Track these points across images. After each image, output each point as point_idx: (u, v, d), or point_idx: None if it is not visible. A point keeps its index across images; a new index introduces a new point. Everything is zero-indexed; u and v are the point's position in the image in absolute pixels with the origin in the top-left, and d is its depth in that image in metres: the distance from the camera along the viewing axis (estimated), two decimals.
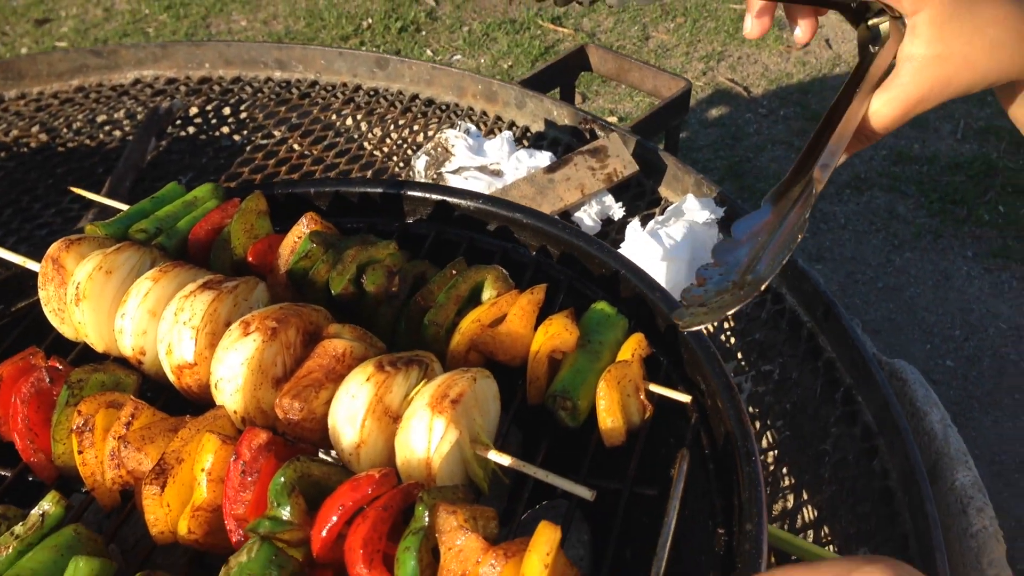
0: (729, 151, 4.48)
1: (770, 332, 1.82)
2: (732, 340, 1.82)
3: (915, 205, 4.16)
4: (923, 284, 3.83)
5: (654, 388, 0.94)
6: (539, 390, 0.97)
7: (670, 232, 1.88)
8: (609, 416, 0.91)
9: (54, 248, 1.03)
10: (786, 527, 1.53)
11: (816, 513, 1.54)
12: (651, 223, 1.92)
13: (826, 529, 1.52)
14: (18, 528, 0.84)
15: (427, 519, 0.78)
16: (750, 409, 1.72)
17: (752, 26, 0.96)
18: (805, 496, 1.58)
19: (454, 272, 1.04)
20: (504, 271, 1.07)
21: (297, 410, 0.87)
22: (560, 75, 2.50)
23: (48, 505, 0.85)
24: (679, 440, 0.92)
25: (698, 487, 0.92)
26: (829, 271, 3.93)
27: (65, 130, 2.35)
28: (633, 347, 0.96)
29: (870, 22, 0.97)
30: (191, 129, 2.39)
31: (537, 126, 2.28)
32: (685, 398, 0.93)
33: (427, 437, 0.83)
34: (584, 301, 1.05)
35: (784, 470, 1.64)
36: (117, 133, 2.36)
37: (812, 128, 0.98)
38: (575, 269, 1.13)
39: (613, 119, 4.50)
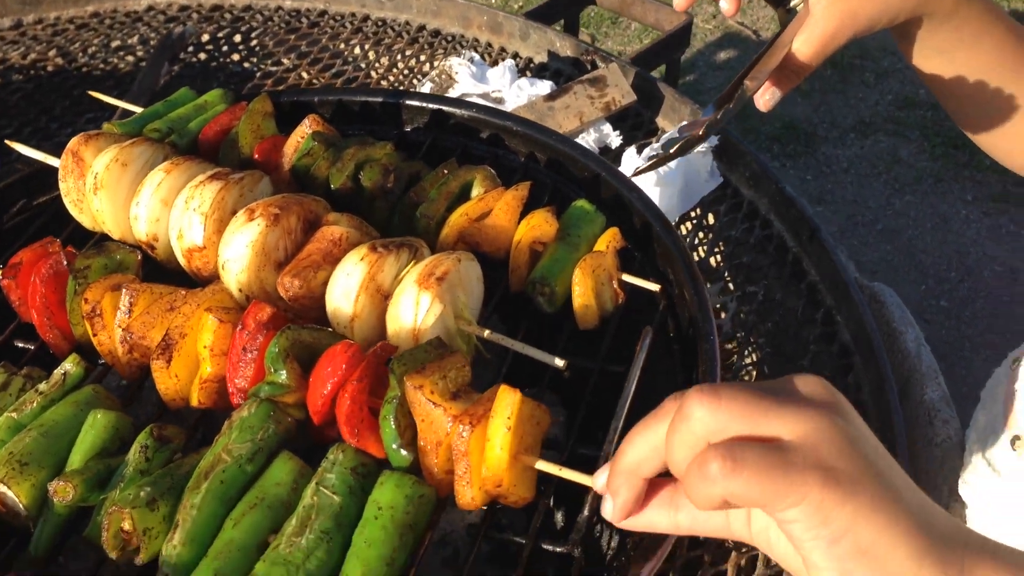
0: None
1: (757, 255, 1.89)
2: (719, 260, 1.90)
3: (918, 149, 4.20)
4: (922, 227, 3.88)
5: (627, 278, 1.02)
6: (520, 278, 1.05)
7: None
8: (583, 301, 0.99)
9: (74, 142, 1.11)
10: None
11: None
12: (646, 150, 1.98)
13: None
14: (42, 386, 0.93)
15: (399, 388, 0.86)
16: (738, 334, 1.81)
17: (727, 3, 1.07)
18: None
19: (446, 171, 1.12)
20: (492, 171, 1.14)
21: (297, 287, 0.95)
22: (565, 8, 2.54)
23: (70, 366, 0.94)
24: (648, 324, 1.00)
25: (664, 365, 1.00)
26: (830, 213, 3.98)
27: (81, 54, 2.41)
28: (608, 240, 1.04)
29: (789, 5, 1.08)
30: (202, 56, 2.45)
31: (540, 57, 2.33)
32: (654, 287, 1.01)
33: (414, 311, 0.91)
34: (567, 202, 1.13)
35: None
36: (131, 58, 2.42)
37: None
38: (560, 173, 1.20)
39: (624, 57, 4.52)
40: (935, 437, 1.62)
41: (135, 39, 2.47)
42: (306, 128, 1.15)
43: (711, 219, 1.97)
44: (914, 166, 4.12)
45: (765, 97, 1.10)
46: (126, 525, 0.81)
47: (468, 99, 2.07)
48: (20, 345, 1.09)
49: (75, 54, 2.41)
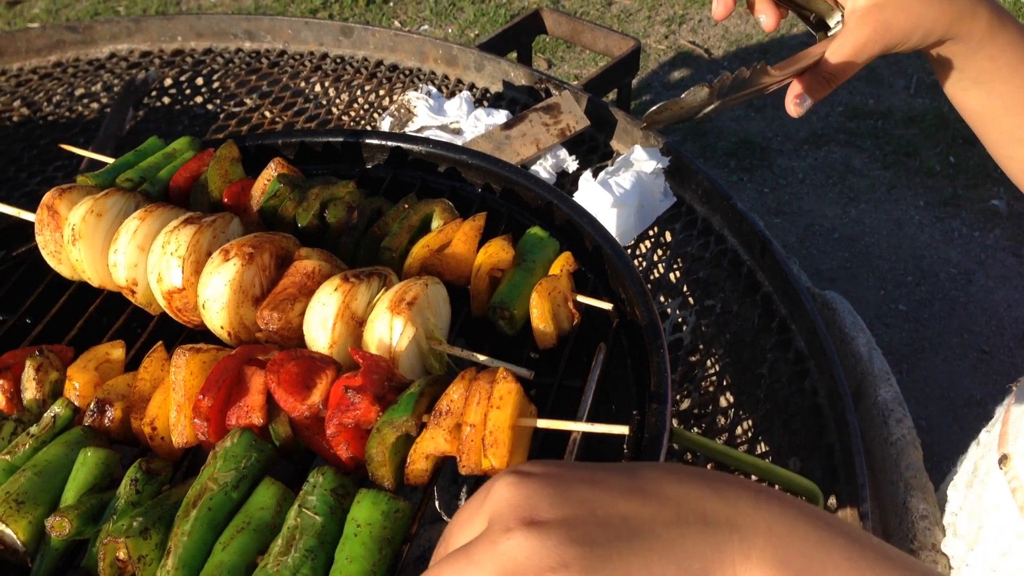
0: None
1: (713, 270, 1.96)
2: (678, 276, 1.97)
3: (870, 158, 4.32)
4: (877, 234, 3.99)
5: (581, 299, 1.09)
6: (481, 303, 1.11)
7: (619, 181, 2.02)
8: (541, 322, 1.05)
9: (48, 196, 1.16)
10: (724, 440, 1.69)
11: (752, 428, 1.69)
12: (602, 173, 2.06)
13: (761, 441, 1.67)
14: (33, 428, 0.98)
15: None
16: (699, 346, 1.88)
17: (718, 6, 1.11)
18: (743, 414, 1.73)
19: (406, 206, 1.19)
20: (450, 204, 1.21)
21: (276, 320, 1.01)
22: (517, 38, 2.62)
23: (59, 409, 0.99)
24: (603, 341, 1.07)
25: (618, 378, 1.07)
26: (788, 224, 4.08)
27: (45, 104, 2.46)
28: (562, 263, 1.11)
29: (830, 30, 1.13)
30: (166, 99, 2.50)
31: (496, 87, 2.41)
32: (607, 306, 1.08)
33: (389, 335, 0.98)
34: (522, 230, 1.20)
35: (725, 391, 1.79)
36: (95, 105, 2.47)
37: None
38: (514, 202, 1.27)
39: (576, 84, 4.61)
40: (890, 436, 1.68)
41: (99, 86, 2.52)
42: (272, 171, 1.21)
43: (668, 236, 2.05)
44: (867, 175, 4.23)
45: (795, 103, 1.12)
46: (121, 554, 0.86)
47: (427, 131, 2.13)
48: None
49: (40, 103, 2.46)
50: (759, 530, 0.62)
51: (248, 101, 2.46)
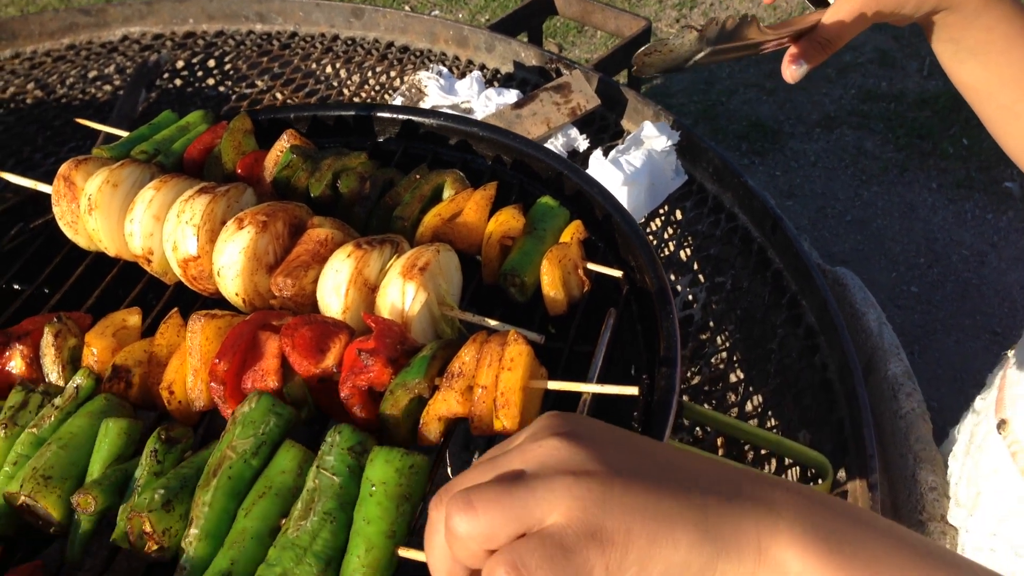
0: (702, 95, 4.61)
1: (724, 247, 1.97)
2: (688, 254, 1.97)
3: (882, 141, 4.31)
4: (890, 216, 3.98)
5: (591, 266, 1.10)
6: (492, 271, 1.12)
7: (630, 159, 2.03)
8: (552, 289, 1.07)
9: (64, 167, 1.18)
10: (735, 414, 1.70)
11: (762, 403, 1.70)
12: (612, 152, 2.06)
13: (771, 416, 1.68)
14: (57, 400, 0.99)
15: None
16: (710, 323, 1.88)
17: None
18: (753, 388, 1.74)
19: (418, 176, 1.20)
20: (461, 174, 1.22)
21: (290, 286, 1.03)
22: (527, 19, 2.62)
23: (81, 379, 1.00)
24: (613, 307, 1.08)
25: (628, 344, 1.08)
26: (800, 207, 4.08)
27: (59, 86, 2.47)
28: (572, 231, 1.12)
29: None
30: (178, 82, 2.52)
31: (506, 68, 2.41)
32: (617, 273, 1.09)
33: (401, 300, 0.99)
34: (533, 199, 1.21)
35: (736, 368, 1.80)
36: (108, 87, 2.49)
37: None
38: (525, 173, 1.28)
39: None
40: (899, 409, 1.69)
41: (111, 68, 2.53)
42: (284, 142, 1.23)
43: (679, 215, 2.05)
44: (879, 157, 4.22)
45: (792, 67, 1.14)
46: (147, 527, 0.87)
47: (439, 108, 2.14)
48: None
49: (53, 86, 2.47)
50: (789, 505, 0.63)
51: (259, 83, 2.47)
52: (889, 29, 4.83)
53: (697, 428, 1.75)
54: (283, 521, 0.88)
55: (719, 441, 1.65)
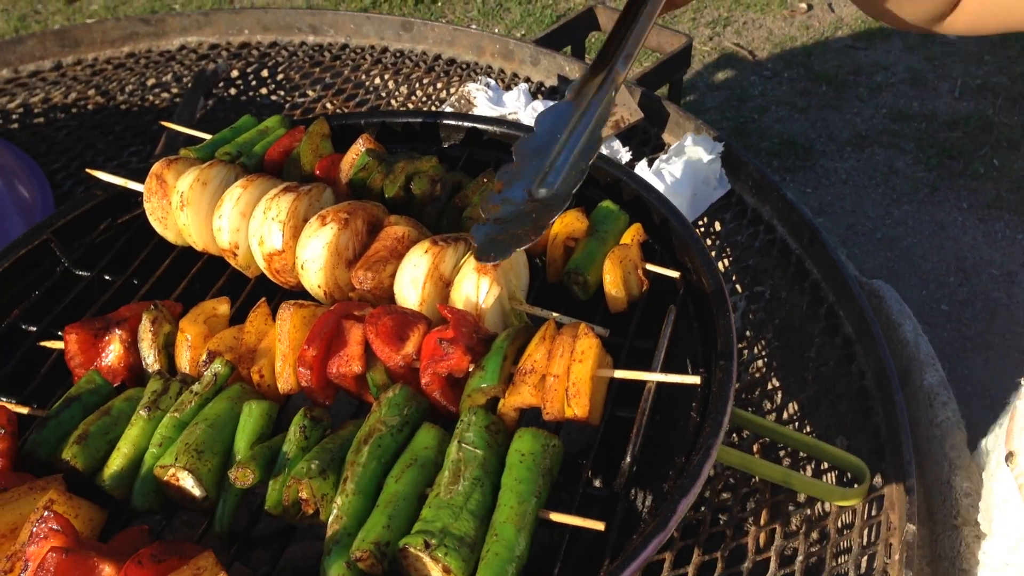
0: (735, 112, 4.67)
1: (762, 258, 2.02)
2: (728, 264, 2.03)
3: (913, 160, 4.35)
4: (920, 234, 4.01)
5: (650, 267, 1.17)
6: (556, 270, 1.19)
7: (672, 170, 2.09)
8: (614, 288, 1.14)
9: (157, 167, 1.26)
10: (773, 420, 1.75)
11: (800, 409, 1.75)
12: (656, 163, 2.13)
13: (808, 421, 1.73)
14: (196, 387, 1.07)
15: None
16: (748, 332, 1.94)
17: None
18: (790, 395, 1.79)
19: (485, 180, 1.27)
20: None
21: (370, 279, 1.10)
22: (571, 34, 2.70)
23: (218, 367, 1.08)
24: (672, 304, 1.15)
25: (684, 341, 1.14)
26: (830, 224, 4.12)
27: (119, 93, 2.57)
28: (632, 234, 1.19)
29: None
30: (233, 91, 2.61)
31: (551, 81, 2.49)
32: (675, 274, 1.16)
33: (476, 293, 1.07)
34: (594, 204, 1.28)
35: (774, 375, 1.85)
36: (166, 95, 2.58)
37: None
38: (585, 179, 1.35)
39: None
40: (935, 418, 1.73)
41: (169, 76, 2.63)
42: (360, 146, 1.30)
43: (718, 226, 2.11)
44: (910, 176, 4.26)
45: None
46: (304, 494, 0.97)
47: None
48: None
49: (113, 92, 2.57)
50: None
51: (311, 92, 2.56)
52: (921, 50, 4.89)
53: (733, 434, 1.81)
54: (428, 489, 0.98)
55: (755, 448, 1.71)
